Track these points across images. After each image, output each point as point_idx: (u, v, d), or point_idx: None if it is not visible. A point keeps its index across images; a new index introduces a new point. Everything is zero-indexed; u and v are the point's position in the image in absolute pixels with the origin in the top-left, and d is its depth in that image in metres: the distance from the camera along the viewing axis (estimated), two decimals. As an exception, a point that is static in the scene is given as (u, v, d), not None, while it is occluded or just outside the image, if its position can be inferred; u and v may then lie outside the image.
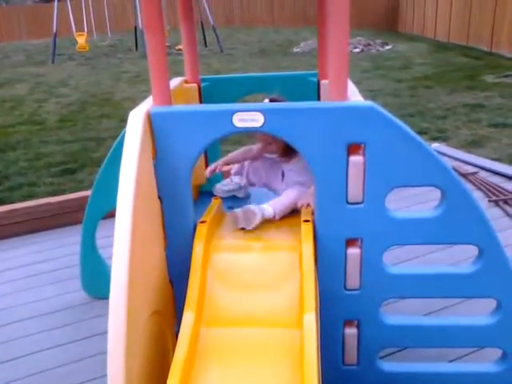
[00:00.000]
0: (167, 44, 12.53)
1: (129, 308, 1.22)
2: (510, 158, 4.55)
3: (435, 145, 4.57)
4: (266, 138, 1.82)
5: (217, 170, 1.97)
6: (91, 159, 5.08)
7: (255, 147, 1.99)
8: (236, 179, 2.07)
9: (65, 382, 1.98)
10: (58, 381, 1.99)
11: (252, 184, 2.07)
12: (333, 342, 1.70)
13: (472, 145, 5.02)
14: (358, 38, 13.48)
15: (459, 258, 2.49)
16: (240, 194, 2.07)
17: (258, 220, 1.66)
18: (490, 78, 8.26)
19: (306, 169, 1.85)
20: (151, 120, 1.49)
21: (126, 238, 1.26)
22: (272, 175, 1.97)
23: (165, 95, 1.55)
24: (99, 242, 2.42)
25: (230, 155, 2.06)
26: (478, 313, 1.78)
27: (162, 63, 1.51)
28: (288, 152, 1.82)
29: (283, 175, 1.92)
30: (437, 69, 9.51)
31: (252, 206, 1.68)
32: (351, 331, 1.70)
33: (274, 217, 1.72)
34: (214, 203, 1.77)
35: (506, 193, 3.42)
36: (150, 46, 1.49)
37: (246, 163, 2.06)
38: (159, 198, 1.56)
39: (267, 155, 1.97)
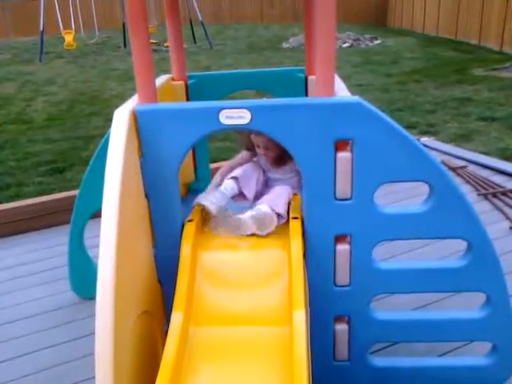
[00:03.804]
0: (155, 41, 12.53)
1: (116, 308, 1.20)
2: (499, 151, 4.57)
3: (424, 139, 4.59)
4: (266, 143, 1.75)
5: None
6: (80, 158, 5.03)
7: (238, 158, 1.91)
8: (229, 184, 1.75)
9: (56, 383, 1.96)
10: (49, 382, 1.97)
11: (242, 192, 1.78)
12: (323, 338, 1.70)
13: (461, 139, 5.04)
14: (347, 32, 13.49)
15: (448, 253, 2.49)
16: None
17: (274, 224, 1.59)
18: (478, 72, 8.30)
19: (294, 177, 1.81)
20: (137, 118, 1.47)
21: (112, 238, 1.25)
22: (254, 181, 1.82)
23: (150, 92, 1.53)
24: (88, 241, 2.40)
25: (217, 179, 1.86)
26: (467, 307, 1.79)
27: (146, 60, 1.49)
28: (281, 160, 1.77)
29: (266, 183, 1.85)
30: (426, 63, 9.54)
31: (264, 209, 1.60)
32: (342, 327, 1.70)
33: (279, 215, 1.63)
34: (203, 201, 1.76)
35: (495, 186, 3.44)
36: (134, 43, 1.47)
37: (238, 170, 1.80)
38: (146, 196, 1.54)
39: (253, 160, 1.89)
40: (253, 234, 1.58)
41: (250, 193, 1.75)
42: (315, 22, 1.43)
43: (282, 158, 1.77)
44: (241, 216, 1.58)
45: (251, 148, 1.88)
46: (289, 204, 1.70)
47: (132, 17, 1.44)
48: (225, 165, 1.93)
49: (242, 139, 1.92)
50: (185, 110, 1.51)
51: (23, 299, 2.52)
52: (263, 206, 1.62)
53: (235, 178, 1.74)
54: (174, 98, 2.13)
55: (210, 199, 1.66)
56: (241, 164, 1.86)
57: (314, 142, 1.46)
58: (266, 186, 1.84)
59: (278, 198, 1.67)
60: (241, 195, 1.76)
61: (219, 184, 1.81)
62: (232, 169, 1.84)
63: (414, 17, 15.07)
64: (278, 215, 1.62)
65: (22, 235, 3.19)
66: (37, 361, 2.09)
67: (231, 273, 1.49)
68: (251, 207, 1.66)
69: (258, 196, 1.79)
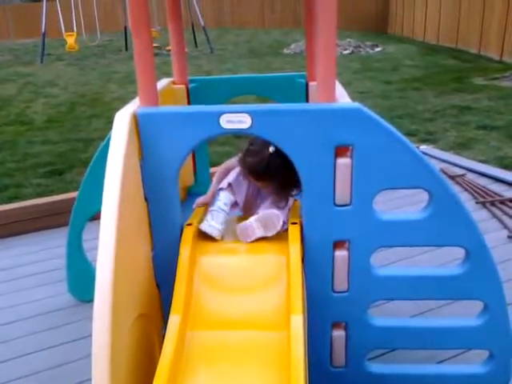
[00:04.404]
0: (157, 45, 12.56)
1: (113, 311, 1.20)
2: (498, 160, 4.58)
3: (423, 147, 4.59)
4: (263, 185, 1.72)
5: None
6: (80, 160, 5.03)
7: (233, 161, 1.83)
8: (226, 197, 1.72)
9: (51, 385, 1.96)
10: (45, 384, 1.97)
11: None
12: (321, 344, 1.70)
13: (460, 147, 5.05)
14: (348, 39, 13.54)
15: (446, 260, 2.49)
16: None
17: (281, 223, 1.58)
18: (478, 81, 8.32)
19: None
20: (137, 121, 1.47)
21: (111, 241, 1.25)
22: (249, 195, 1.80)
23: (151, 96, 1.54)
24: (86, 244, 2.39)
25: (216, 183, 1.81)
26: (465, 314, 1.79)
27: (148, 64, 1.49)
28: (282, 193, 1.72)
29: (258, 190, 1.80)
30: (426, 71, 9.57)
31: (270, 210, 1.60)
32: (339, 333, 1.70)
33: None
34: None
35: (493, 195, 3.45)
36: (136, 47, 1.48)
37: (232, 175, 1.77)
38: (146, 199, 1.54)
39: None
40: (256, 239, 1.58)
41: (240, 199, 1.74)
42: (317, 29, 1.44)
43: (279, 191, 1.72)
44: (245, 222, 1.58)
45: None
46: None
47: (135, 20, 1.45)
48: (220, 170, 1.87)
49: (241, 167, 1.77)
50: (186, 113, 1.51)
51: (20, 301, 2.51)
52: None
53: (230, 186, 1.72)
54: (174, 102, 2.14)
55: (213, 226, 1.61)
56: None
57: (314, 147, 1.46)
58: (257, 192, 1.81)
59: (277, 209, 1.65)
60: (234, 203, 1.75)
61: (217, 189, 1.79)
62: (229, 171, 1.82)
63: (414, 25, 15.12)
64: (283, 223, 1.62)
65: (21, 236, 3.18)
66: (33, 362, 2.08)
67: (229, 277, 1.49)
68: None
69: (249, 202, 1.78)
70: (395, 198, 3.30)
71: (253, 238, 1.57)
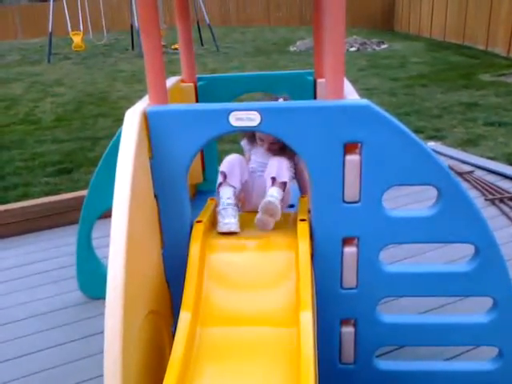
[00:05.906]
0: (163, 43, 12.58)
1: (125, 308, 1.22)
2: (506, 156, 4.56)
3: (431, 144, 4.58)
4: (272, 140, 1.81)
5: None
6: (87, 159, 5.07)
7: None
8: (224, 193, 1.71)
9: (62, 382, 1.97)
10: (55, 381, 1.98)
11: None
12: (329, 340, 1.70)
13: (468, 143, 5.03)
14: (354, 36, 13.50)
15: (456, 257, 2.49)
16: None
17: (279, 209, 1.61)
18: (485, 77, 8.28)
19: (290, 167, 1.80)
20: (147, 119, 1.48)
21: (122, 238, 1.26)
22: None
23: (161, 94, 1.55)
24: (96, 241, 2.41)
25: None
26: (474, 311, 1.79)
27: (158, 62, 1.50)
28: (282, 151, 1.82)
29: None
30: (433, 67, 9.53)
31: (268, 200, 1.62)
32: (348, 330, 1.70)
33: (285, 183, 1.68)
34: (211, 203, 1.77)
35: (501, 191, 3.43)
36: (145, 46, 1.48)
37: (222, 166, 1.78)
38: (156, 197, 1.55)
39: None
40: (261, 236, 1.59)
41: (236, 182, 1.72)
42: (325, 27, 1.44)
43: (282, 149, 1.82)
44: (256, 217, 1.61)
45: (252, 137, 1.91)
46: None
47: (144, 19, 1.45)
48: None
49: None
50: (195, 111, 1.52)
51: (30, 298, 2.53)
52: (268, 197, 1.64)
53: (224, 177, 1.71)
54: (183, 100, 2.15)
55: (228, 223, 1.62)
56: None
57: (323, 144, 1.46)
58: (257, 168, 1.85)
59: (279, 169, 1.69)
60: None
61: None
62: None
63: (421, 21, 15.05)
64: (284, 184, 1.67)
65: (30, 235, 3.20)
66: (44, 360, 2.10)
67: (239, 274, 1.50)
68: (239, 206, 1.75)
69: (248, 182, 1.80)
70: (402, 195, 3.30)
71: (271, 227, 1.61)
